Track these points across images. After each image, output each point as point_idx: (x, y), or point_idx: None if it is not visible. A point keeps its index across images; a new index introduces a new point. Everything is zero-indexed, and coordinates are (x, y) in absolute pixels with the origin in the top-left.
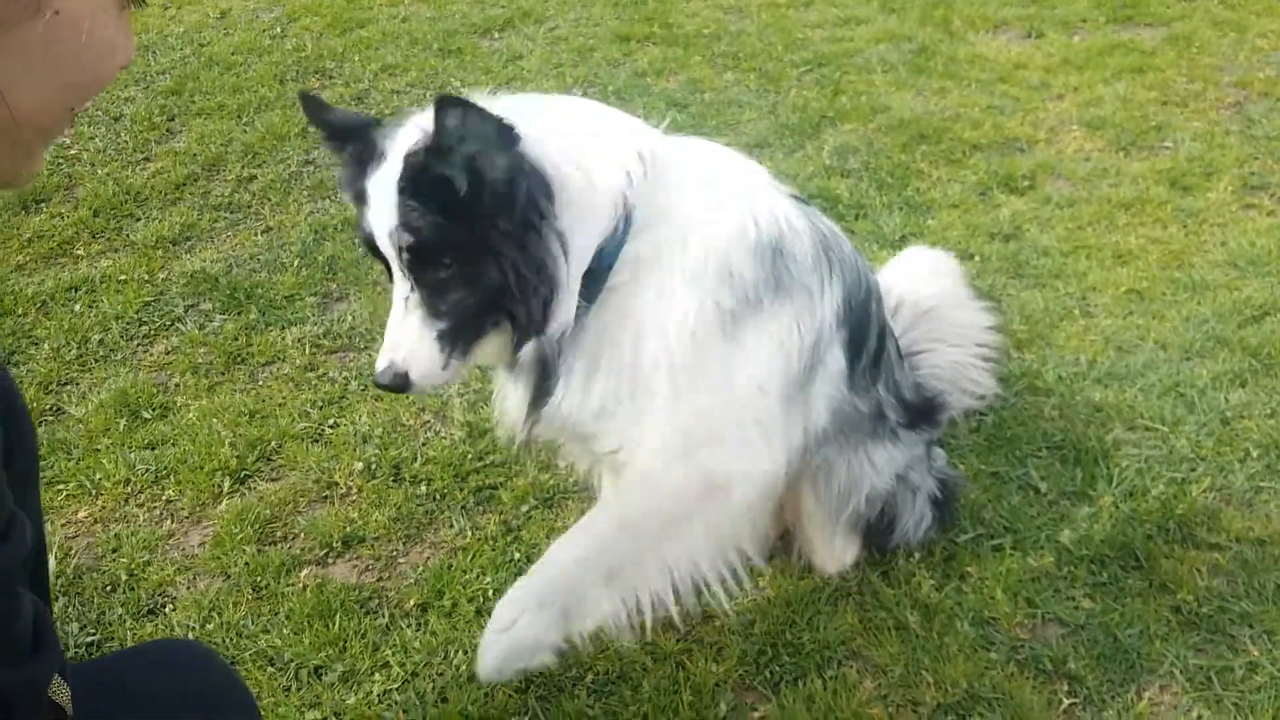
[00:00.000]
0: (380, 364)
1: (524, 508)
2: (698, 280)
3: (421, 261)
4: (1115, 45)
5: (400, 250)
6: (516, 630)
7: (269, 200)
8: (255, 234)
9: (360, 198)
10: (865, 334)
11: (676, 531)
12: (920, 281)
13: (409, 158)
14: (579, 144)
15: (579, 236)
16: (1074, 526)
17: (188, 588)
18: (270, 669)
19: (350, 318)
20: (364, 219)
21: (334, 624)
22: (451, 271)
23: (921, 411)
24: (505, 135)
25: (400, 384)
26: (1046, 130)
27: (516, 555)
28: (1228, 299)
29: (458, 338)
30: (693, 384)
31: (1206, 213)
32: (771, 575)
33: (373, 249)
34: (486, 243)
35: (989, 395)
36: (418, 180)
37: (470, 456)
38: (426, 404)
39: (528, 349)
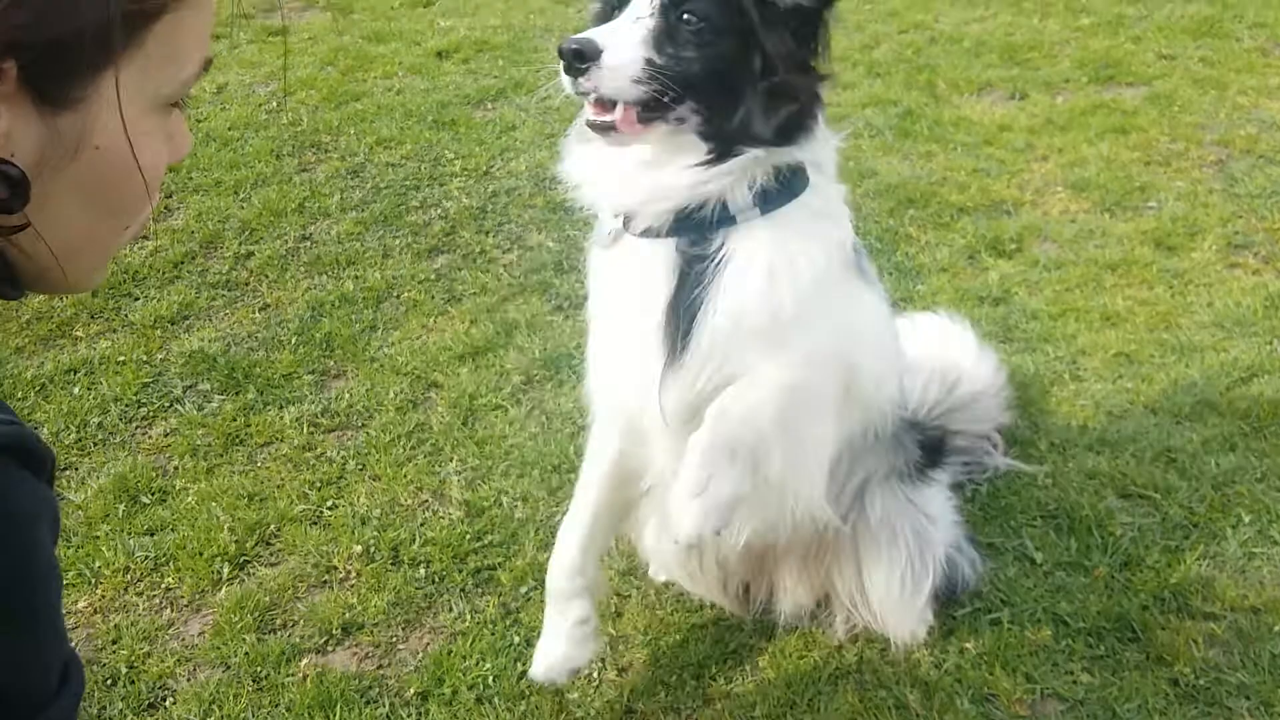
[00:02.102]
0: (582, 34)
1: (523, 589)
2: (835, 247)
3: (680, 3)
4: (1098, 105)
5: None
6: (713, 488)
7: (266, 277)
8: (253, 311)
9: None
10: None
11: (822, 412)
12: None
13: None
14: None
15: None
16: (1070, 598)
17: (188, 679)
18: None
19: (348, 395)
20: None
21: (334, 715)
22: (700, 33)
23: (931, 448)
24: None
25: (589, 50)
26: (1032, 192)
27: (516, 639)
28: (1215, 361)
29: (655, 78)
30: (845, 309)
31: (1192, 273)
32: (771, 655)
33: None
34: (756, 35)
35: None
36: None
37: (469, 537)
38: (425, 483)
39: (717, 170)
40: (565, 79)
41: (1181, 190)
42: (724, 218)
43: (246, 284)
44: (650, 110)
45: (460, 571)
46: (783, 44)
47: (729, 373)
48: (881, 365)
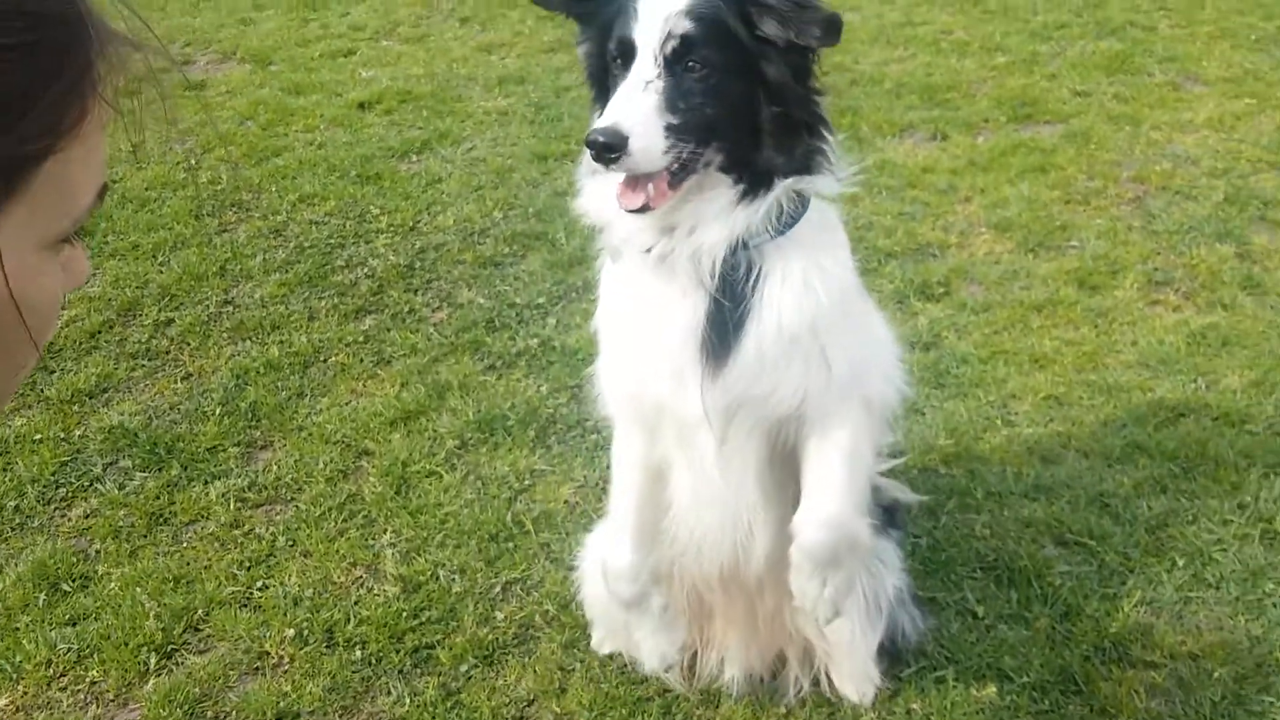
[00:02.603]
0: (603, 121)
1: (463, 667)
2: (846, 257)
3: (684, 54)
4: (1017, 145)
5: (670, 35)
6: (831, 587)
7: (188, 345)
8: (174, 381)
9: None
10: None
11: (869, 443)
12: None
13: None
14: None
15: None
16: (1013, 652)
17: None
18: None
19: (276, 467)
20: (629, 11)
21: None
22: (706, 79)
23: (889, 512)
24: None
25: (616, 141)
26: (957, 234)
27: None
28: (1142, 400)
29: (679, 139)
30: (863, 329)
31: (1115, 312)
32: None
33: (621, 42)
34: (759, 67)
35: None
36: None
37: (405, 614)
38: (358, 558)
39: (755, 209)
40: (589, 160)
41: (1101, 228)
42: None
43: (167, 353)
44: (680, 171)
45: (398, 652)
46: (782, 76)
47: (773, 379)
48: (896, 375)
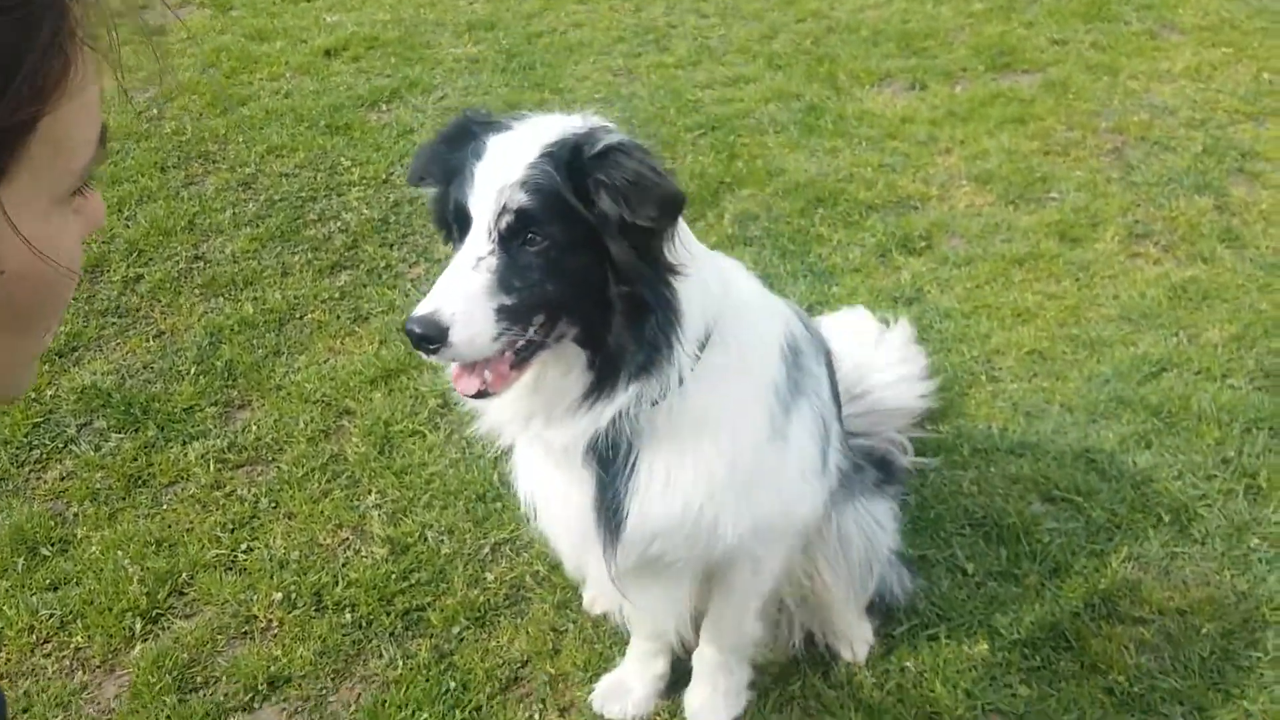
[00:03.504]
0: (421, 307)
1: (455, 629)
2: (762, 394)
3: (521, 229)
4: (995, 95)
5: (504, 210)
6: (724, 685)
7: (159, 302)
8: (146, 340)
9: (465, 156)
10: (839, 397)
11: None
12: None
13: (571, 137)
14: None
15: (696, 310)
16: (1004, 609)
17: None
18: None
19: (255, 427)
20: (464, 172)
21: None
22: (545, 253)
23: (884, 465)
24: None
25: (433, 334)
26: (938, 186)
27: (451, 684)
28: (1125, 355)
29: (517, 322)
30: (760, 483)
31: (1096, 265)
32: None
33: (458, 209)
34: (602, 249)
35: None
36: (568, 159)
37: (394, 576)
38: (344, 520)
39: (601, 412)
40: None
41: (1081, 180)
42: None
43: (138, 310)
44: (524, 350)
45: (388, 614)
46: (626, 255)
47: (665, 546)
48: (812, 490)
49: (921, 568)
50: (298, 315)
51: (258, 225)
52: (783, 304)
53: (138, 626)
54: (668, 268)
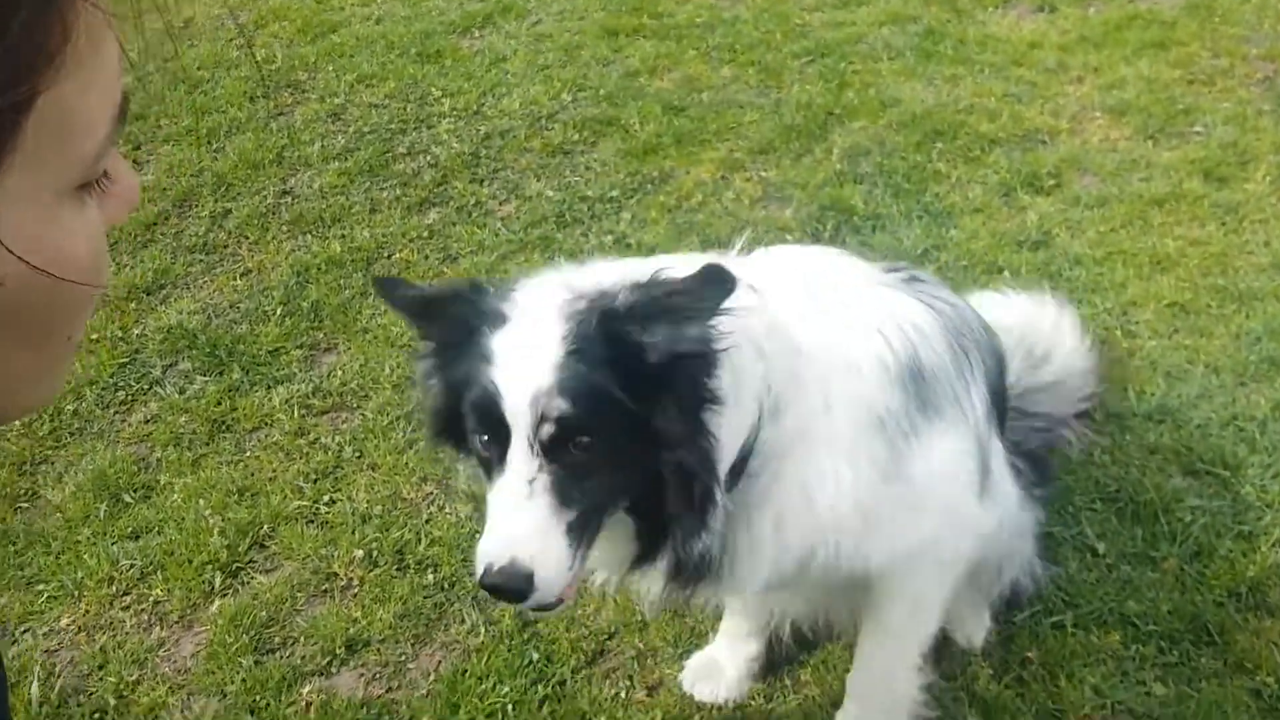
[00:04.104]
0: (493, 555)
1: None
2: (850, 447)
3: (566, 437)
4: (1133, 17)
5: (543, 421)
6: None
7: (246, 238)
8: (234, 278)
9: (474, 359)
10: (1004, 408)
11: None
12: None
13: (588, 314)
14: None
15: (727, 430)
16: (1138, 596)
17: (181, 711)
18: None
19: (340, 372)
20: (480, 381)
21: None
22: (594, 450)
23: (1039, 465)
24: (709, 299)
25: (521, 587)
26: (1068, 119)
27: (535, 656)
28: (1278, 310)
29: (585, 530)
30: (889, 520)
31: (1246, 207)
32: (814, 669)
33: (484, 418)
34: (647, 422)
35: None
36: (594, 339)
37: (479, 535)
38: (428, 473)
39: (667, 555)
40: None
41: (1229, 112)
42: None
43: (225, 246)
44: (592, 543)
45: (471, 576)
46: (670, 417)
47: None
48: (969, 515)
49: (1048, 546)
50: (385, 254)
51: (346, 159)
52: (892, 306)
53: (217, 580)
54: (708, 401)
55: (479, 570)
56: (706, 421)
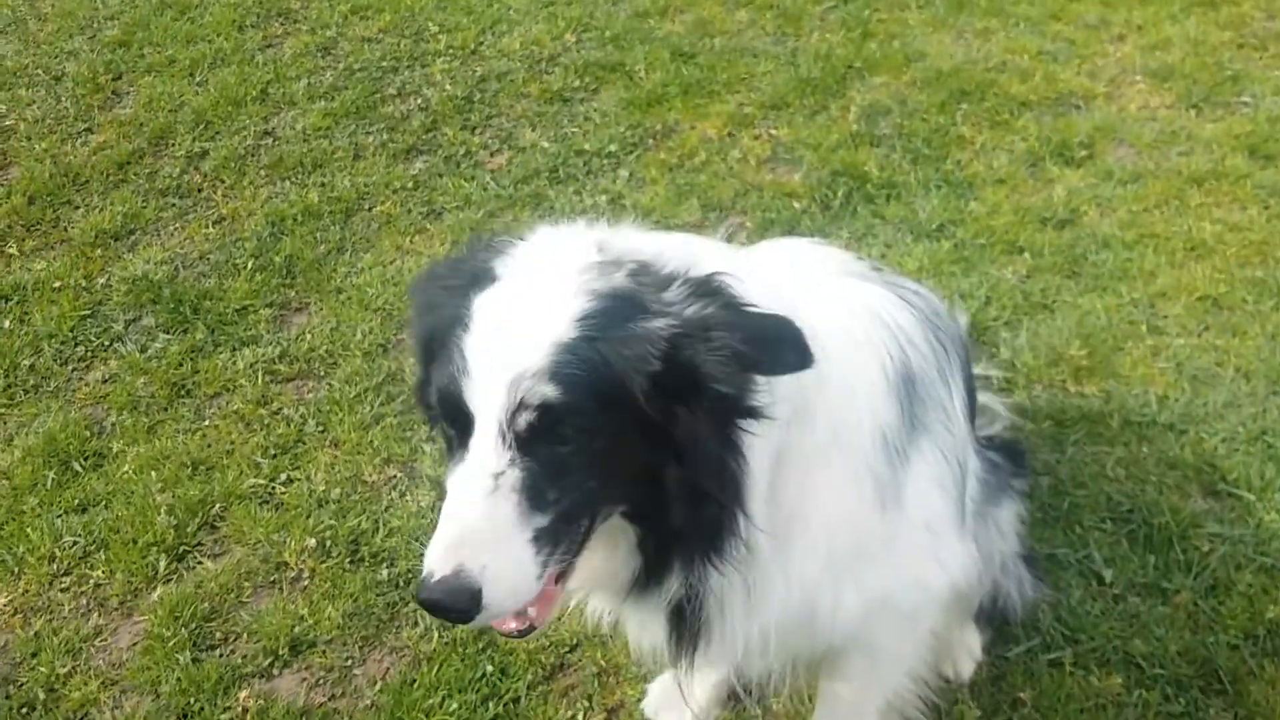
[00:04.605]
0: (437, 564)
1: None
2: (863, 461)
3: (548, 429)
4: None
5: (522, 408)
6: None
7: (222, 182)
8: (205, 226)
9: (450, 322)
10: (974, 398)
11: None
12: None
13: (628, 296)
14: None
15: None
16: (1145, 634)
17: (113, 710)
18: None
19: (310, 335)
20: (450, 350)
21: None
22: (582, 450)
23: (1012, 453)
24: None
25: (464, 606)
26: (1106, 82)
27: (489, 668)
28: None
29: (561, 539)
30: (870, 557)
31: None
32: (791, 703)
33: (446, 395)
34: (655, 422)
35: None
36: (636, 334)
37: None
38: (393, 454)
39: (670, 586)
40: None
41: None
42: None
43: (199, 190)
44: (568, 554)
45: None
46: (693, 438)
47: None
48: (947, 553)
49: (1049, 570)
50: (366, 206)
51: (332, 99)
52: (877, 300)
53: (161, 564)
54: (747, 415)
55: (420, 596)
56: (738, 440)
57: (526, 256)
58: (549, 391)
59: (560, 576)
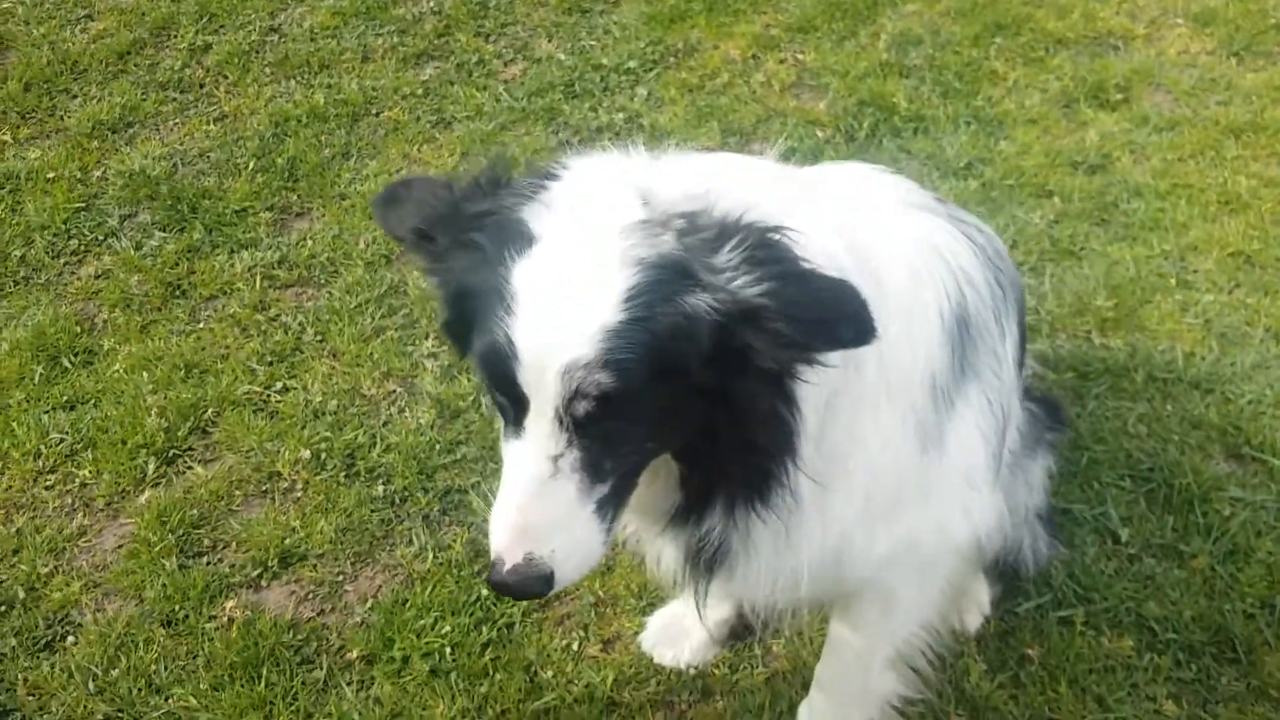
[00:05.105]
0: (505, 550)
1: None
2: (904, 406)
3: (602, 414)
4: None
5: (578, 397)
6: None
7: (225, 78)
8: (207, 122)
9: (488, 295)
10: (1025, 344)
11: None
12: None
13: (675, 267)
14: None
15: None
16: (1160, 596)
17: (95, 612)
18: None
19: (311, 241)
20: (494, 332)
21: (261, 679)
22: (637, 422)
23: (1049, 405)
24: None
25: (539, 590)
26: (1146, 23)
27: (484, 592)
28: None
29: (620, 498)
30: (903, 501)
31: None
32: (788, 642)
33: (499, 380)
34: (709, 387)
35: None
36: (689, 317)
37: (439, 447)
38: (393, 368)
39: (709, 525)
40: None
41: None
42: None
43: (201, 86)
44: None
45: (426, 491)
46: (748, 397)
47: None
48: (977, 505)
49: (1064, 526)
50: (373, 111)
51: None
52: (941, 236)
53: (150, 467)
54: (803, 364)
55: (492, 579)
56: (791, 391)
57: (563, 210)
58: (603, 379)
59: (618, 520)
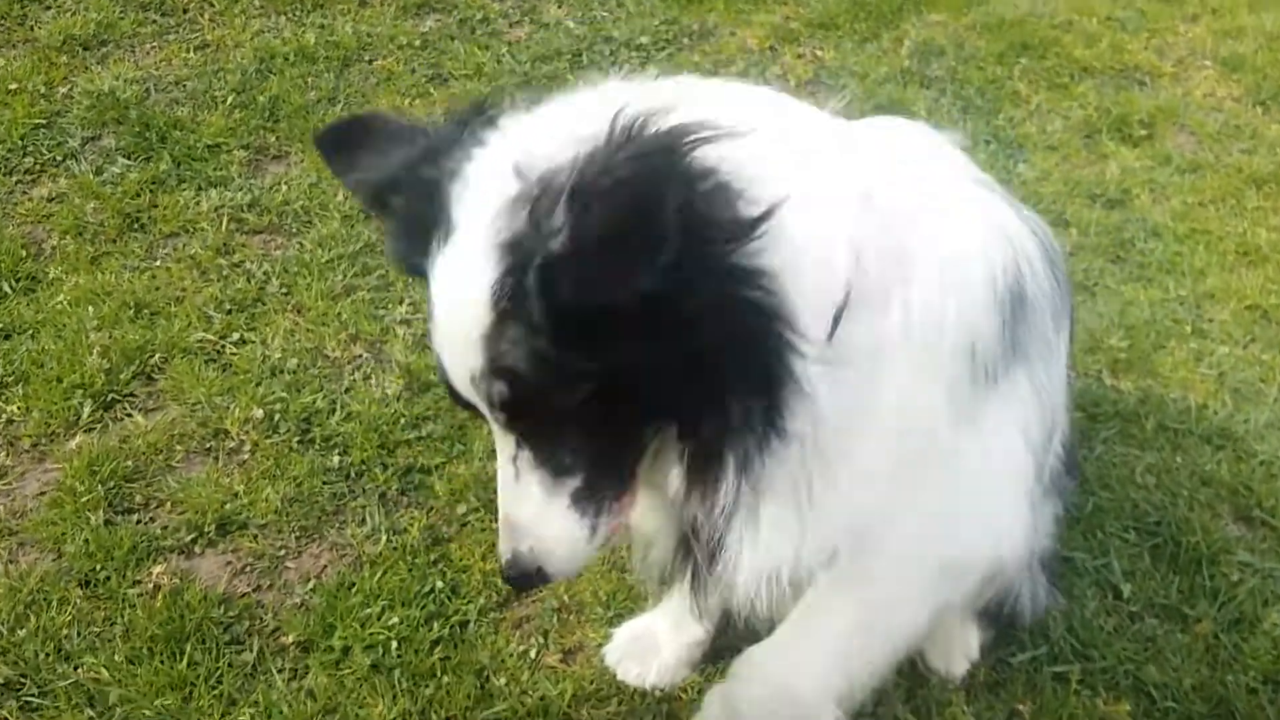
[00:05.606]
0: (502, 548)
1: (460, 508)
2: (932, 360)
3: (522, 414)
4: None
5: (492, 406)
6: None
7: (210, 6)
8: (186, 50)
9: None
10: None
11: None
12: None
13: (525, 242)
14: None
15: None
16: (1160, 660)
17: (7, 563)
18: (87, 712)
19: (286, 187)
20: (429, 335)
21: (183, 656)
22: (558, 416)
23: (1066, 449)
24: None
25: (534, 583)
26: (1174, 61)
27: (438, 584)
28: None
29: (601, 489)
30: (922, 483)
31: None
32: None
33: (449, 389)
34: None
35: None
36: (516, 281)
37: (404, 421)
38: (361, 330)
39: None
40: None
41: None
42: None
43: (185, 10)
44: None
45: (385, 468)
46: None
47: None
48: (1011, 516)
49: (1064, 575)
50: (366, 58)
51: None
52: (1004, 214)
53: (86, 410)
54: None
55: (506, 574)
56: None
57: (472, 191)
58: (499, 387)
59: (615, 513)
